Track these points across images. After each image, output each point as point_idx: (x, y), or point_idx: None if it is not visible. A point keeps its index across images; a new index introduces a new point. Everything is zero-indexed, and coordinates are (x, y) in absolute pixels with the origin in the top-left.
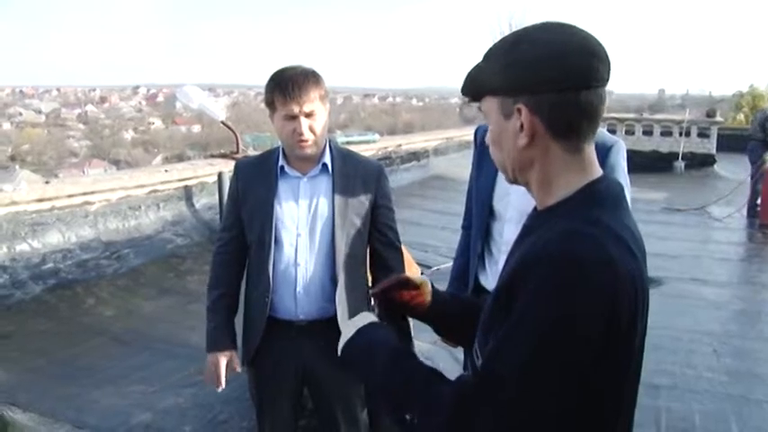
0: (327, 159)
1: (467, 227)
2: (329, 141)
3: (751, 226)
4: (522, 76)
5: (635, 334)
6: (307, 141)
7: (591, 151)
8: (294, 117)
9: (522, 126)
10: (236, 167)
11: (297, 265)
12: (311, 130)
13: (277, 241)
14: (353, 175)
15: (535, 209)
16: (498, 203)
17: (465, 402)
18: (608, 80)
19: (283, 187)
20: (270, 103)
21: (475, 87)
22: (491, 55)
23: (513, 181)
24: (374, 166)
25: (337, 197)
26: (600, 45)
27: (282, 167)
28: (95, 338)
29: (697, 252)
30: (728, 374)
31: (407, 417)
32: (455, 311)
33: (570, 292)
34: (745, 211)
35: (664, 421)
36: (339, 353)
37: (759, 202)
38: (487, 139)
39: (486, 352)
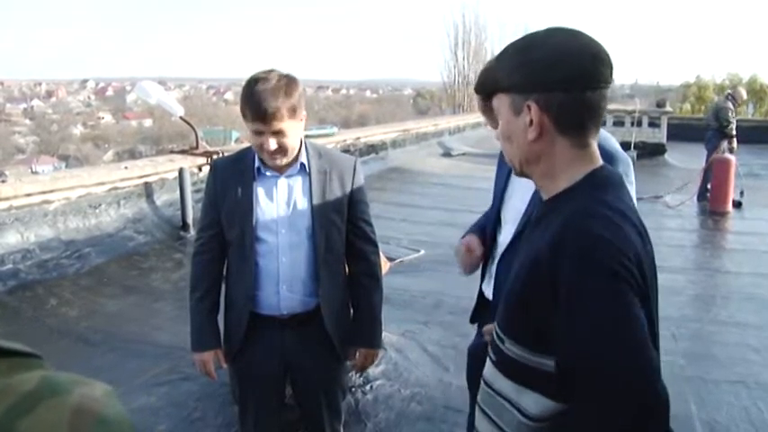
0: (304, 158)
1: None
2: (305, 140)
3: (701, 210)
4: (533, 76)
5: (647, 285)
6: (275, 156)
7: (595, 146)
8: (262, 132)
9: (531, 121)
10: (213, 167)
11: (279, 262)
12: (279, 146)
13: (258, 240)
14: (329, 171)
15: (541, 200)
16: (503, 210)
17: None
18: (611, 81)
19: (261, 187)
20: (242, 113)
21: (488, 85)
22: (503, 56)
23: (521, 173)
24: (349, 162)
25: (315, 195)
26: (602, 48)
27: (259, 168)
28: (61, 340)
29: (652, 239)
30: (686, 357)
31: None
32: None
33: (592, 262)
34: (695, 198)
35: None
36: None
37: (709, 187)
38: (497, 134)
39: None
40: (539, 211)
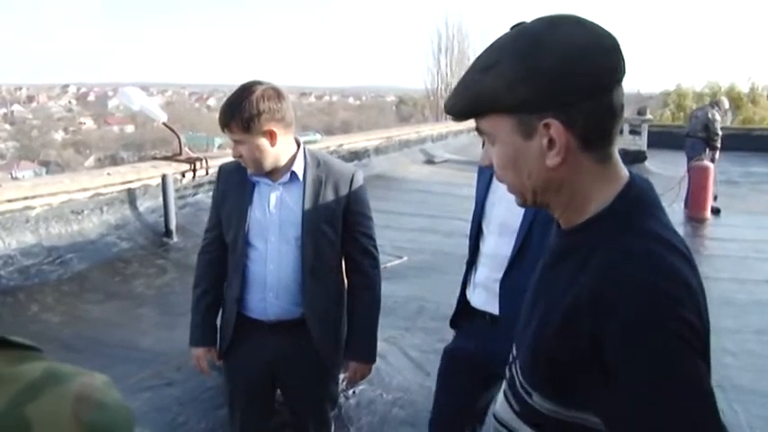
0: (298, 167)
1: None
2: (303, 149)
3: (681, 217)
4: (549, 87)
5: (708, 339)
6: (245, 164)
7: (617, 155)
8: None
9: (549, 143)
10: (220, 171)
11: (267, 269)
12: (241, 154)
13: (249, 245)
14: (324, 182)
15: (560, 228)
16: (484, 219)
17: None
18: (626, 70)
19: (256, 194)
20: None
21: (479, 105)
22: (496, 65)
23: (532, 205)
24: (346, 172)
25: (306, 205)
26: (610, 33)
27: (252, 174)
28: (44, 346)
29: None
30: None
31: None
32: None
33: (648, 324)
34: (683, 204)
35: None
36: None
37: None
38: (483, 161)
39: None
40: (557, 243)
